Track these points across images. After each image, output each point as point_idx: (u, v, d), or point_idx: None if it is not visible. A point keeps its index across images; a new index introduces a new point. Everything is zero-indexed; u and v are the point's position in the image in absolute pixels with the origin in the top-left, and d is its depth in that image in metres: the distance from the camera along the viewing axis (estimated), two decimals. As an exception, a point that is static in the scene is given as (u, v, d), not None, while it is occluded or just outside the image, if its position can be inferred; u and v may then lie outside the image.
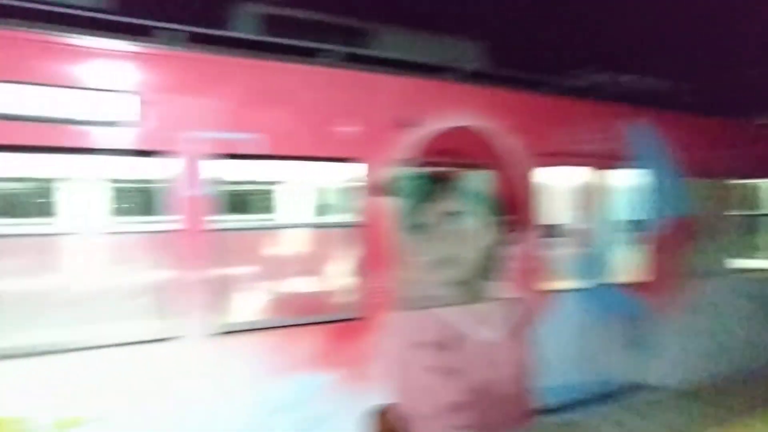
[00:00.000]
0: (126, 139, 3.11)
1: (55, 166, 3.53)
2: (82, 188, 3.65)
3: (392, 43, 4.31)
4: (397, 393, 3.84)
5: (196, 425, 3.23)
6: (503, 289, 4.36)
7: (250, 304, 3.79)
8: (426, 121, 4.03)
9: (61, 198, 3.86)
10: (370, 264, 3.76)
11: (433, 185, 4.23)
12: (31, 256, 3.22)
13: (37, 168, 3.57)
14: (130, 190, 3.83)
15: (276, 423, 3.43)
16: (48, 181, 3.83)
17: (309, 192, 4.62)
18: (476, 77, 4.35)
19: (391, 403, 3.80)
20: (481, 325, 4.21)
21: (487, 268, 4.35)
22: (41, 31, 2.97)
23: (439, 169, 4.21)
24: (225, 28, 3.78)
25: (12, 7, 2.98)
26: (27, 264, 3.17)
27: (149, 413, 3.10)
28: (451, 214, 4.32)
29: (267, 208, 4.63)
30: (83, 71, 3.04)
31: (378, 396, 3.77)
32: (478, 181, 4.36)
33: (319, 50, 3.75)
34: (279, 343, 3.46)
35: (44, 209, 3.69)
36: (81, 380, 2.96)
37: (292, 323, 3.55)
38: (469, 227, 4.36)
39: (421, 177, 4.11)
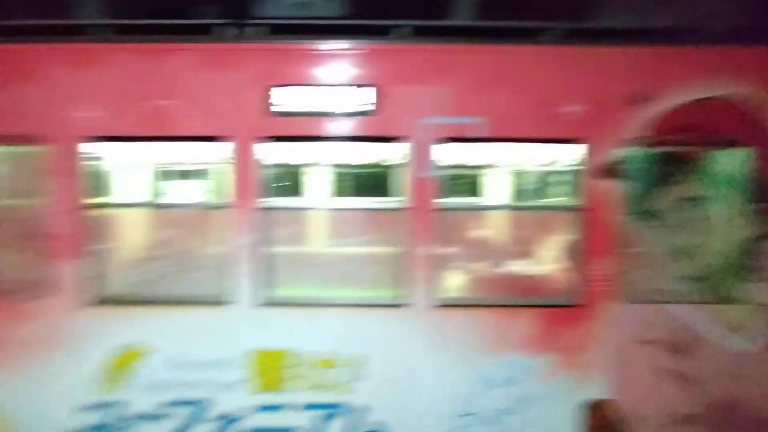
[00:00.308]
0: (365, 127, 3.56)
1: (307, 152, 4.24)
2: (327, 171, 4.37)
3: (623, 11, 3.88)
4: (616, 390, 3.58)
5: (416, 384, 3.58)
6: (763, 291, 3.63)
7: (468, 280, 4.00)
8: (664, 94, 3.57)
9: (310, 179, 4.67)
10: (593, 250, 3.56)
11: (670, 167, 3.73)
12: (293, 228, 4.02)
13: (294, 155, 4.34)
14: (367, 172, 4.40)
15: (487, 397, 3.58)
16: (299, 165, 4.67)
17: (528, 174, 4.59)
18: (731, 36, 3.64)
19: (609, 399, 3.57)
20: (729, 331, 3.59)
21: (741, 264, 3.66)
22: (298, 41, 3.59)
23: (678, 148, 3.69)
24: (446, 18, 3.94)
25: (275, 25, 3.68)
26: (292, 233, 3.98)
27: (383, 369, 3.57)
28: (691, 200, 3.76)
29: (485, 190, 4.76)
30: (330, 71, 3.58)
31: (593, 389, 3.58)
32: (731, 160, 3.67)
33: (540, 29, 3.65)
34: (495, 321, 3.57)
35: (297, 190, 4.55)
36: (331, 330, 3.57)
37: (509, 303, 3.63)
38: (716, 215, 3.72)
39: (654, 157, 3.67)
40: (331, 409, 3.59)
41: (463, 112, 3.53)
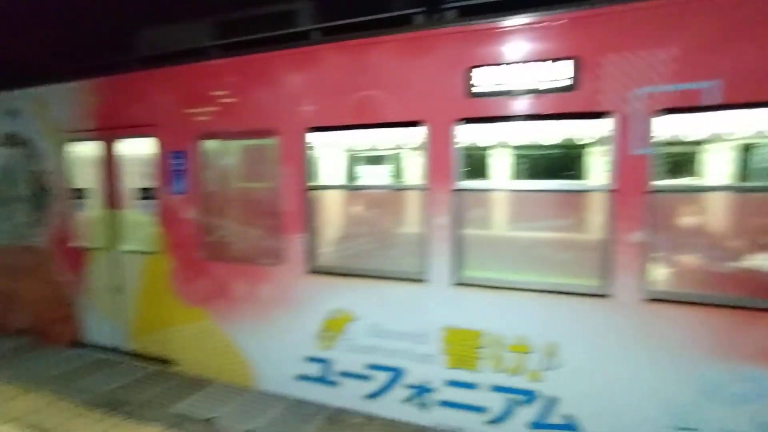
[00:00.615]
0: (566, 103, 3.28)
1: (499, 132, 4.12)
2: (519, 152, 4.19)
3: None
4: None
5: (616, 383, 3.28)
6: None
7: (684, 273, 3.42)
8: None
9: (501, 160, 4.55)
10: None
11: None
12: (486, 210, 3.98)
13: (487, 136, 4.27)
14: (558, 152, 4.12)
15: (713, 412, 3.06)
16: (491, 147, 4.59)
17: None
18: None
19: None
20: None
21: None
22: (493, 20, 3.45)
23: None
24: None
25: (466, 6, 3.62)
26: (486, 215, 3.95)
27: (578, 361, 3.36)
28: None
29: (709, 168, 4.00)
30: (526, 46, 3.38)
31: None
32: None
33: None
34: (726, 323, 3.01)
35: (488, 171, 4.46)
36: (525, 315, 3.48)
37: (754, 305, 2.99)
38: None
39: None
40: (519, 395, 3.53)
41: (688, 77, 2.99)
